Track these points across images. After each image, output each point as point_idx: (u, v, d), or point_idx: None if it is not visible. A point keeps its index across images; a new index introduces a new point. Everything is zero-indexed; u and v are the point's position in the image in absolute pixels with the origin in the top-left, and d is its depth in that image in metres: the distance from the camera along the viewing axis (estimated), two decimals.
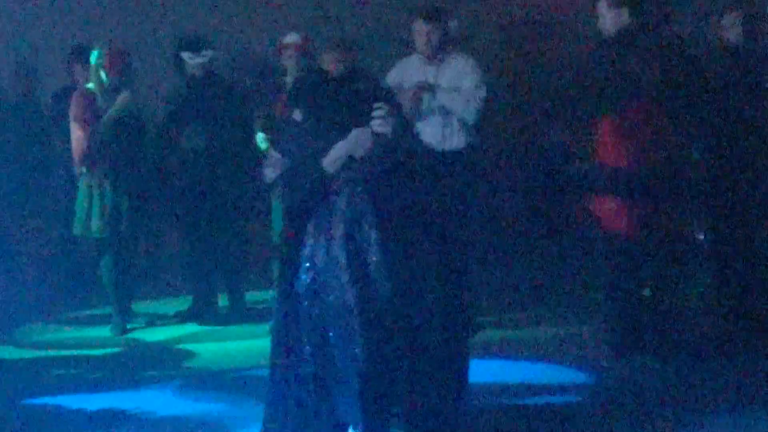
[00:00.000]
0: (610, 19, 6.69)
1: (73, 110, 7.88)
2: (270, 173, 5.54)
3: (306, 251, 5.25)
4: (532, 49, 9.41)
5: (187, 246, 8.47)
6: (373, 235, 5.16)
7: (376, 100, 5.29)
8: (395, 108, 5.37)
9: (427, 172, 5.50)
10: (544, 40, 9.05)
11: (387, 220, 5.21)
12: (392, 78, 7.61)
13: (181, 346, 7.81)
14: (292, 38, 8.00)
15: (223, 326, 8.22)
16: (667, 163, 6.57)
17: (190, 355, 7.57)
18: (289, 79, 7.85)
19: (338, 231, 5.21)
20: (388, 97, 5.45)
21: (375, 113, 5.20)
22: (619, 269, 6.73)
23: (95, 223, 7.93)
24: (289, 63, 7.93)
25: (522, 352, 7.17)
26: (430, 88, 7.46)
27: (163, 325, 8.38)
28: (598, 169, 6.66)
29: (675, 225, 6.61)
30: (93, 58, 7.97)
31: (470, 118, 7.49)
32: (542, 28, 9.17)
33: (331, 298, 5.17)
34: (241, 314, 8.36)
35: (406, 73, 7.63)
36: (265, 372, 5.49)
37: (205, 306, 8.39)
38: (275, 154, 5.50)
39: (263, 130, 7.62)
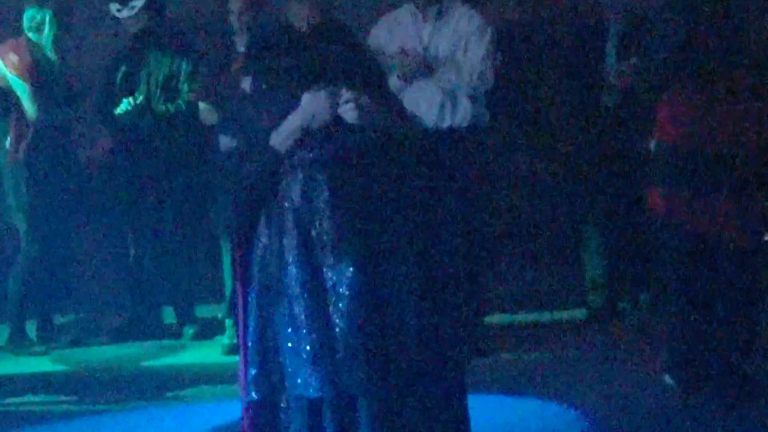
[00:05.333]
0: None
1: (17, 62, 7.02)
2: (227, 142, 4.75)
3: (258, 252, 4.55)
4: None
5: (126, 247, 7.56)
6: (332, 237, 4.41)
7: (354, 63, 4.59)
8: (377, 75, 4.71)
9: (414, 154, 4.63)
10: None
11: (353, 217, 4.45)
12: (377, 37, 6.68)
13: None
14: None
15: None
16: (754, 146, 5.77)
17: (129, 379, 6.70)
18: (239, 39, 6.95)
19: (289, 229, 4.47)
20: (369, 61, 4.78)
21: (342, 99, 4.49)
22: (683, 279, 5.88)
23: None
24: (241, 19, 6.94)
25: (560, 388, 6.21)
26: (422, 60, 6.51)
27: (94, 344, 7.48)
28: (663, 151, 5.81)
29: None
30: (46, 19, 7.11)
31: (475, 92, 6.57)
32: None
33: (277, 315, 4.46)
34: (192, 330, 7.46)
35: (394, 31, 6.68)
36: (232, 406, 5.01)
37: (147, 320, 7.53)
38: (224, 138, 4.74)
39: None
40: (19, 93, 6.95)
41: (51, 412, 6.12)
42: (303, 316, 4.41)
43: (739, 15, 5.76)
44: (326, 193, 4.43)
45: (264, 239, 4.55)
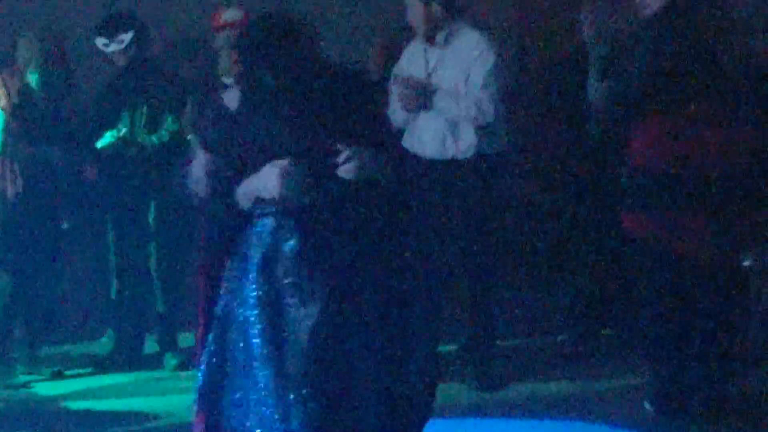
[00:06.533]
0: None
1: (3, 93, 6.98)
2: (197, 181, 4.48)
3: (226, 275, 4.48)
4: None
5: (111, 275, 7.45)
6: (297, 281, 4.34)
7: (353, 114, 4.37)
8: (376, 122, 4.47)
9: (388, 200, 4.44)
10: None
11: (319, 264, 4.35)
12: (398, 70, 6.48)
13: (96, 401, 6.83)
14: (231, 15, 7.04)
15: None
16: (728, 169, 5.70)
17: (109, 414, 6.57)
18: (222, 69, 6.92)
19: (254, 269, 4.38)
20: (371, 105, 4.50)
21: (339, 158, 4.26)
22: (661, 304, 5.83)
23: None
24: (226, 49, 6.92)
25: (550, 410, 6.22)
26: (421, 89, 6.24)
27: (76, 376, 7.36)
28: (637, 175, 5.76)
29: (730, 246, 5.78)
30: (30, 54, 7.05)
31: (478, 122, 6.22)
32: None
33: (236, 352, 4.40)
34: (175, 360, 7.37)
35: (406, 58, 6.49)
36: None
37: (129, 350, 7.43)
38: (202, 154, 4.46)
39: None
40: None
41: None
42: (260, 355, 4.34)
43: (712, 37, 5.70)
44: (294, 240, 4.35)
45: (231, 278, 4.47)
